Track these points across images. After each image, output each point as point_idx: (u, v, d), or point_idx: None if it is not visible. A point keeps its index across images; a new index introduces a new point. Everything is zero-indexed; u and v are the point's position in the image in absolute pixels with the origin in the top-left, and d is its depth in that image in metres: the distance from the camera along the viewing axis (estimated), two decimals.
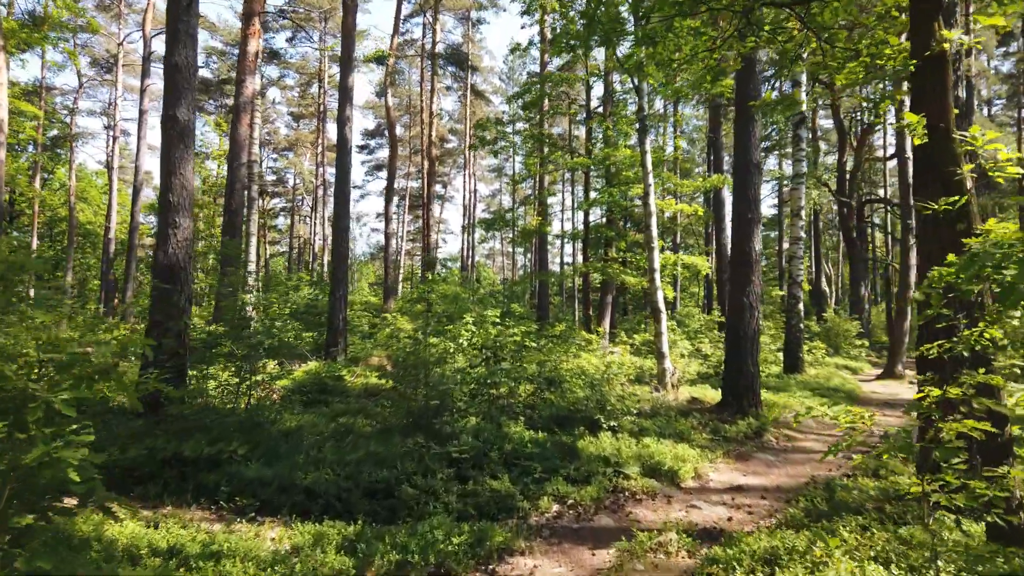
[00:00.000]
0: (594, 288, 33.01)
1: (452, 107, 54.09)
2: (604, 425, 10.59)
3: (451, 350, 11.81)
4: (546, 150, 24.03)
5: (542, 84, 22.80)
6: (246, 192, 20.21)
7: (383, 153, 52.82)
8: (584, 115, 23.67)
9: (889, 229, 44.46)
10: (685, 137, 46.86)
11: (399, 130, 51.08)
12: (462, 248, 45.01)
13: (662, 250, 24.98)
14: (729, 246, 12.41)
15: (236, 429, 8.73)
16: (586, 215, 23.96)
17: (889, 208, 41.19)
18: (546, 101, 23.62)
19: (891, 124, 40.04)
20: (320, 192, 43.05)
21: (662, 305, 16.09)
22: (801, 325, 19.71)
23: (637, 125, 16.62)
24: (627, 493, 8.36)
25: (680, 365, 17.71)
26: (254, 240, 20.86)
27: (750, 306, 12.93)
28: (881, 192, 44.17)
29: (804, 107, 20.25)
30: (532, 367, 14.75)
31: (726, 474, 9.66)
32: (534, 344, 16.11)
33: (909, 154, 21.33)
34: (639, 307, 44.99)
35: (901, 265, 22.50)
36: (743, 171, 13.17)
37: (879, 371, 26.08)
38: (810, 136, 35.46)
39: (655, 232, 16.13)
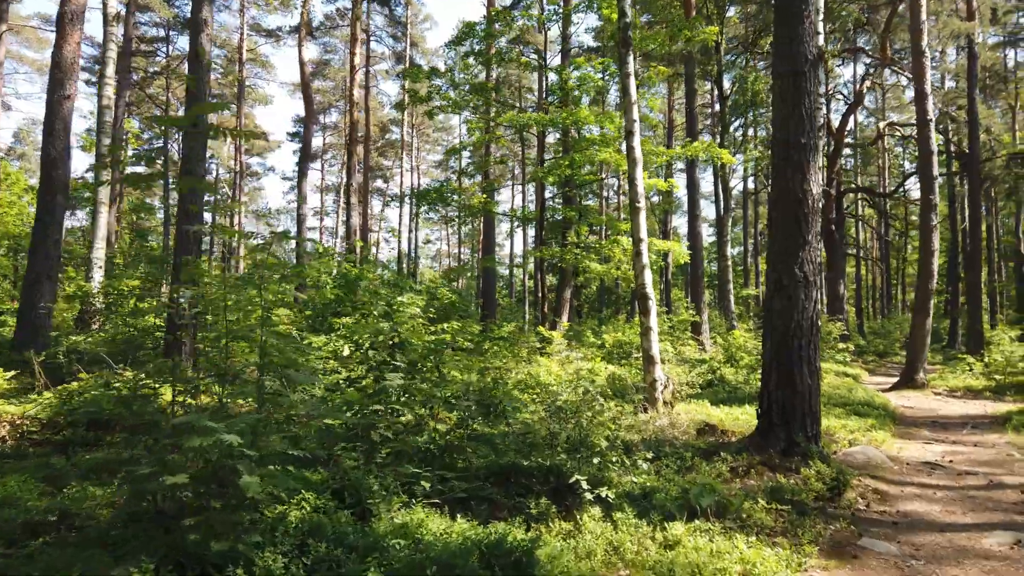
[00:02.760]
0: (550, 288, 27.92)
1: (393, 91, 48.56)
2: (585, 489, 5.42)
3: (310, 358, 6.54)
4: (493, 111, 18.87)
5: (488, 24, 17.67)
6: (95, 147, 14.56)
7: (315, 141, 46.97)
8: (539, 65, 18.66)
9: (882, 223, 40.58)
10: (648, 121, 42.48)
11: (334, 115, 45.40)
12: (400, 243, 39.41)
13: (625, 233, 20.00)
14: (778, 189, 7.08)
15: None
16: (540, 190, 18.90)
17: (873, 198, 37.12)
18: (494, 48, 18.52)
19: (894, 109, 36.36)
20: (238, 180, 37.00)
21: (650, 290, 11.05)
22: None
23: (619, 37, 11.53)
24: None
25: (671, 373, 12.67)
26: (104, 213, 15.23)
27: (805, 281, 7.93)
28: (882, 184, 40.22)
29: None
30: (465, 378, 9.62)
31: None
32: (469, 344, 10.94)
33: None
34: (595, 309, 40.11)
35: (922, 252, 17.98)
36: (792, 70, 8.19)
37: (883, 378, 21.58)
38: None
39: (641, 188, 11.09)
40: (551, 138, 21.40)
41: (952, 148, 31.07)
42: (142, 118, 32.78)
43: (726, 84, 27.30)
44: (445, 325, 11.05)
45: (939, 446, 10.29)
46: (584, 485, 5.27)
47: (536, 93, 21.17)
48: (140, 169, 40.98)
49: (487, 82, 20.56)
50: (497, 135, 20.25)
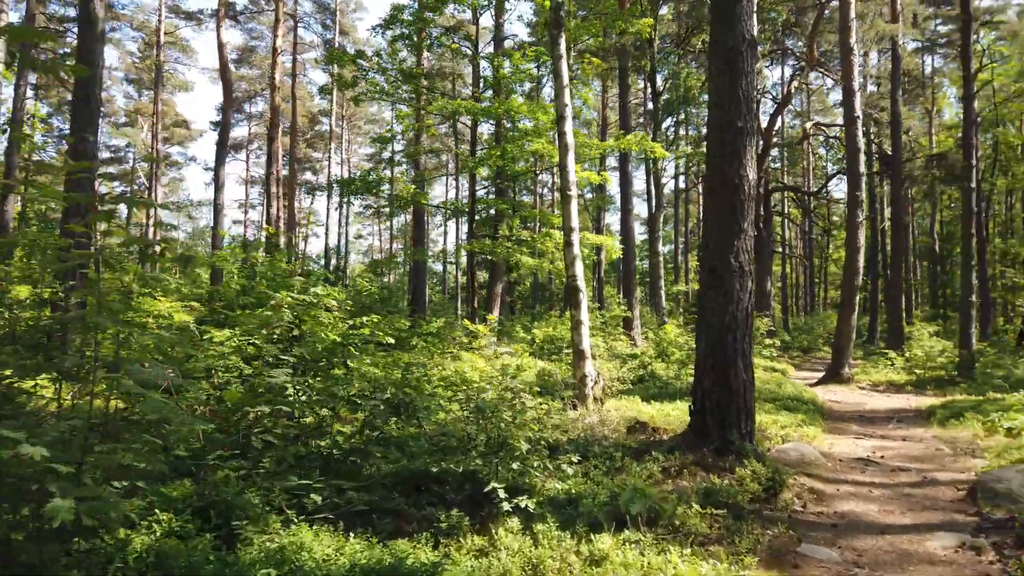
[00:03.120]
0: (481, 285, 27.24)
1: (323, 80, 46.99)
2: (503, 499, 4.79)
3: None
4: (424, 99, 18.08)
5: (419, 8, 16.88)
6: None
7: (240, 131, 45.07)
8: (472, 53, 17.96)
9: (807, 221, 41.37)
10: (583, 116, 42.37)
11: (260, 104, 43.61)
12: (326, 237, 38.06)
13: (558, 227, 19.53)
14: (713, 175, 6.56)
15: None
16: (472, 182, 18.23)
17: (799, 197, 37.76)
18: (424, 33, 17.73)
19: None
20: (155, 169, 34.97)
21: (581, 282, 10.54)
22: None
23: (551, 18, 10.97)
24: None
25: (602, 369, 12.21)
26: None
27: (741, 272, 7.51)
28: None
29: None
30: (386, 375, 8.90)
31: None
32: (391, 339, 10.20)
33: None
34: (528, 305, 39.66)
35: (848, 248, 18.09)
36: (728, 50, 7.76)
37: (809, 373, 21.77)
38: None
39: (572, 176, 10.56)
40: (485, 130, 20.74)
41: (874, 149, 31.82)
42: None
43: (659, 82, 27.21)
44: (365, 319, 10.27)
45: (869, 441, 10.11)
46: (501, 494, 4.65)
47: (471, 85, 20.44)
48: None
49: (418, 69, 19.76)
50: (428, 124, 19.46)
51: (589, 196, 44.51)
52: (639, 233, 50.52)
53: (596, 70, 19.08)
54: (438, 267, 52.29)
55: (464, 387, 8.84)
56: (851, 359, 19.10)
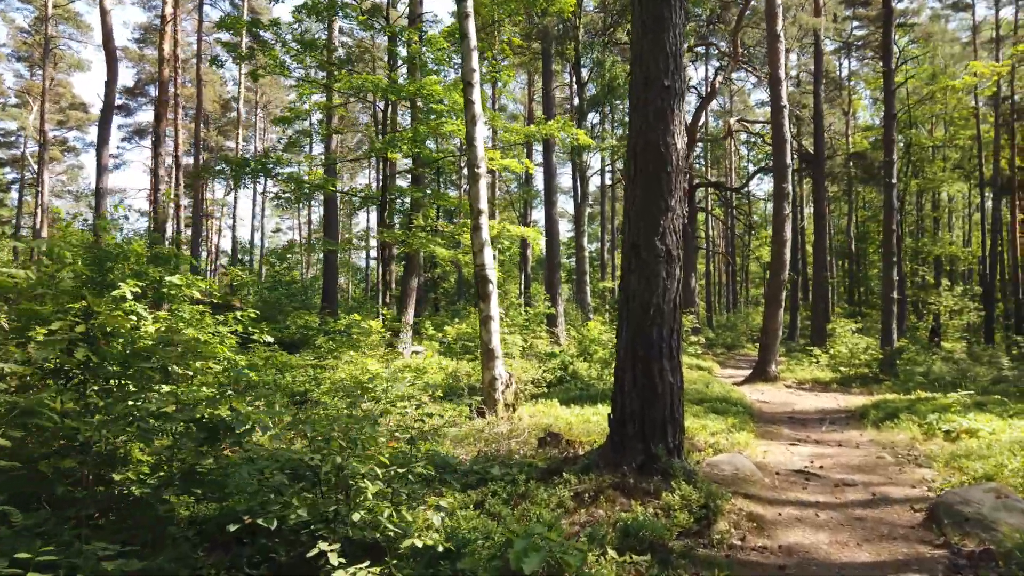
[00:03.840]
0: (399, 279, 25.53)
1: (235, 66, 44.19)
2: (336, 567, 3.34)
3: None
4: (340, 77, 16.34)
5: None
6: None
7: (146, 116, 41.86)
8: (383, 27, 16.34)
9: (729, 219, 41.17)
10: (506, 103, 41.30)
11: (169, 88, 40.49)
12: (233, 231, 35.57)
13: None
14: (636, 141, 5.16)
15: None
16: (383, 166, 16.62)
17: (722, 193, 37.43)
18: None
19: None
20: (44, 153, 31.74)
21: (492, 272, 9.20)
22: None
23: None
24: None
25: (517, 370, 10.90)
26: None
27: (667, 256, 6.30)
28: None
29: None
30: (268, 380, 7.48)
31: None
32: (268, 337, 8.69)
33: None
34: (452, 303, 38.14)
35: (774, 242, 17.36)
36: (655, 4, 6.53)
37: (734, 371, 21.08)
38: None
39: (481, 150, 9.20)
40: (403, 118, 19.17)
41: (796, 146, 31.70)
42: None
43: (584, 74, 26.21)
44: (240, 314, 8.66)
45: (805, 447, 9.13)
46: (334, 559, 3.23)
47: (387, 68, 18.80)
48: None
49: (330, 45, 18.03)
50: (336, 103, 17.75)
51: (515, 190, 43.45)
52: (567, 231, 49.87)
53: (518, 58, 17.85)
54: (361, 261, 50.20)
55: (359, 392, 7.43)
56: (777, 355, 18.44)
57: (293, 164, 21.89)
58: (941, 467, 7.47)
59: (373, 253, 44.27)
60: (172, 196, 20.49)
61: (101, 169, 18.27)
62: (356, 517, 3.37)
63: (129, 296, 7.28)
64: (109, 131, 18.58)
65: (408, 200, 17.52)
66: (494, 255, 10.87)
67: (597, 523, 5.04)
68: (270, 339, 8.74)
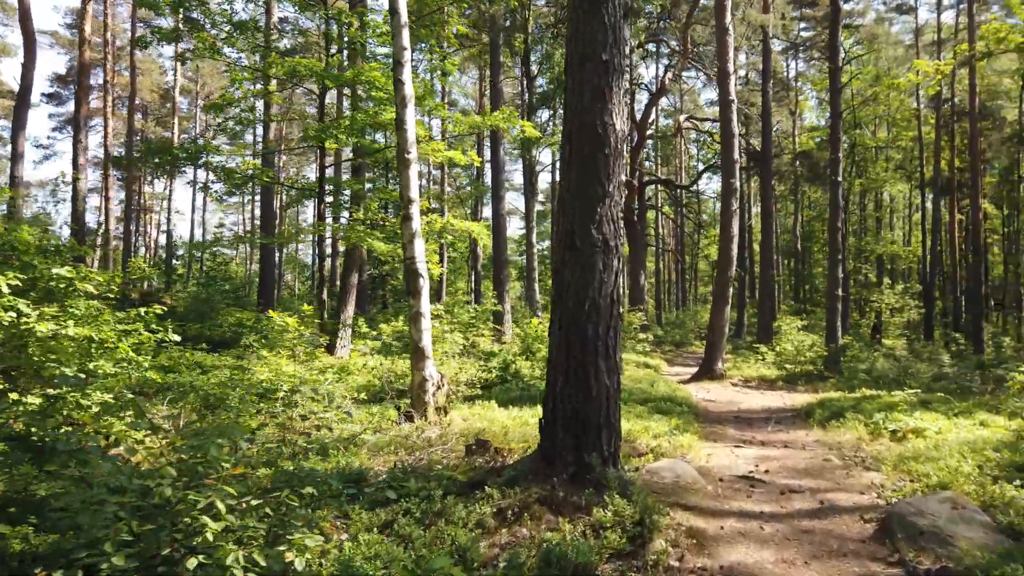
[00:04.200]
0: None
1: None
2: None
3: None
4: (273, 61, 15.38)
5: None
6: None
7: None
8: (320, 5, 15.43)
9: (679, 217, 41.11)
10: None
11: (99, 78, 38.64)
12: (165, 226, 34.04)
13: (425, 212, 17.47)
14: (572, 120, 4.51)
15: None
16: (321, 157, 15.75)
17: (672, 190, 37.30)
18: None
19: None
20: None
21: (423, 265, 8.53)
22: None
23: None
24: None
25: (451, 370, 10.26)
26: None
27: (605, 246, 5.74)
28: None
29: None
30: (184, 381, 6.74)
31: None
32: (173, 337, 7.90)
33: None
34: (400, 299, 37.27)
35: (721, 238, 17.08)
36: None
37: (681, 368, 20.79)
38: None
39: (411, 134, 8.53)
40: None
41: (743, 145, 31.73)
42: None
43: (534, 68, 25.70)
44: (144, 311, 7.84)
45: (750, 449, 8.71)
46: None
47: (326, 54, 17.77)
48: None
49: (268, 30, 17.11)
50: (272, 90, 16.79)
51: (467, 187, 42.71)
52: (518, 227, 49.34)
53: (468, 51, 17.18)
54: (308, 257, 48.81)
55: (253, 399, 6.70)
56: (724, 353, 18.17)
57: (229, 154, 20.73)
58: (890, 470, 7.11)
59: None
60: (67, 182, 19.16)
61: (16, 157, 17.00)
62: (192, 564, 2.69)
63: (5, 289, 6.46)
64: (26, 116, 17.31)
65: (346, 192, 16.69)
66: (446, 246, 10.20)
67: (520, 544, 4.46)
68: (176, 337, 7.93)
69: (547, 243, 52.03)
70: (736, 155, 16.71)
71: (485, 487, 5.24)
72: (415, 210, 8.38)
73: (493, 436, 7.58)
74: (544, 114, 34.86)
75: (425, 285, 8.42)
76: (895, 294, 31.58)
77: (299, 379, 7.39)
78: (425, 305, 8.37)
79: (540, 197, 46.05)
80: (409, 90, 8.46)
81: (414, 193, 8.38)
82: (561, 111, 34.84)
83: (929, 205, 34.09)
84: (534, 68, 25.03)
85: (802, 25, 37.08)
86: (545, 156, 46.28)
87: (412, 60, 22.90)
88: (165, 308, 8.91)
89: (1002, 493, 5.20)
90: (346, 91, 16.24)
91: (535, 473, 5.53)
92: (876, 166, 36.48)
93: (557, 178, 45.64)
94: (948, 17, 34.32)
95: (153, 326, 8.02)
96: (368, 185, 17.41)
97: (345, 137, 14.65)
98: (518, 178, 46.05)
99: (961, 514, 4.74)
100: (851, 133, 34.31)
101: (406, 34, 8.53)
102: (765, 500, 6.20)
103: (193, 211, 38.26)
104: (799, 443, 9.23)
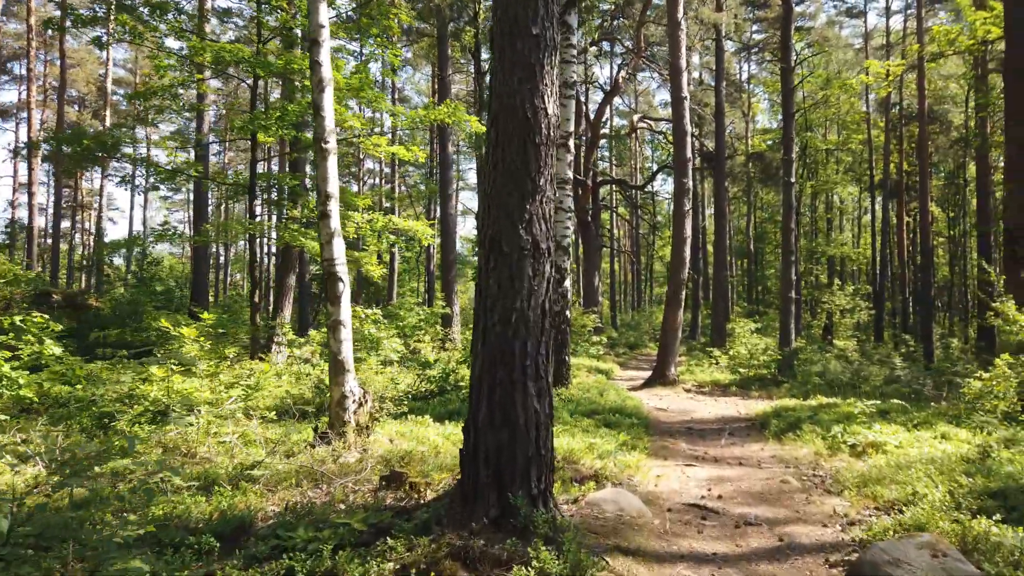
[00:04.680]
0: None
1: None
2: None
3: None
4: (194, 46, 14.18)
5: None
6: None
7: (9, 96, 37.63)
8: None
9: (634, 218, 40.57)
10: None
11: (39, 67, 36.61)
12: (97, 221, 32.25)
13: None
14: (497, 102, 3.60)
15: None
16: (253, 149, 14.61)
17: (626, 191, 36.77)
18: None
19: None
20: None
21: (343, 268, 7.59)
22: (567, 314, 12.33)
23: None
24: None
25: (381, 382, 9.33)
26: None
27: (534, 249, 4.90)
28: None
29: None
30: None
31: None
32: (57, 348, 6.85)
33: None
34: (372, 300, 36.02)
35: (674, 239, 16.46)
36: None
37: (635, 372, 20.16)
38: None
39: (330, 121, 7.59)
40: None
41: (697, 146, 31.35)
42: None
43: (484, 65, 24.82)
44: (17, 320, 6.75)
45: (702, 468, 7.99)
46: None
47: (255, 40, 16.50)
48: None
49: (201, 15, 15.89)
50: (200, 78, 15.60)
51: (420, 186, 41.57)
52: (473, 228, 48.37)
53: (419, 46, 16.26)
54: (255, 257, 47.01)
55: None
56: (677, 357, 17.58)
57: (159, 146, 19.35)
58: (853, 495, 6.44)
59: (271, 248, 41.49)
60: None
61: None
62: None
63: None
64: None
65: (277, 188, 15.60)
66: (398, 247, 9.26)
67: None
68: (57, 350, 6.88)
69: None
70: (689, 153, 16.11)
71: (390, 535, 4.36)
72: (334, 207, 7.44)
73: (420, 460, 6.71)
74: None
75: (346, 291, 7.49)
76: (846, 295, 31.54)
77: (185, 397, 6.40)
78: (345, 313, 7.44)
79: None
80: (327, 73, 7.52)
81: (332, 188, 7.45)
82: None
83: (879, 208, 34.24)
84: (485, 64, 24.15)
85: (755, 27, 36.99)
86: None
87: (356, 53, 21.79)
88: (91, 310, 7.83)
89: (985, 533, 4.52)
90: (278, 82, 15.15)
91: (452, 516, 4.67)
92: (827, 168, 36.56)
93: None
94: (897, 22, 34.57)
95: (33, 333, 6.96)
96: (308, 182, 16.29)
97: (276, 129, 13.58)
98: (473, 177, 45.14)
99: (943, 564, 4.03)
100: (802, 136, 34.22)
101: (323, 10, 7.58)
102: (718, 536, 5.45)
103: (132, 208, 36.48)
104: (754, 459, 8.56)
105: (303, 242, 13.46)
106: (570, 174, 12.10)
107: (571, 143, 12.14)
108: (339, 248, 7.49)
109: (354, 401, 7.41)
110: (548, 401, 4.92)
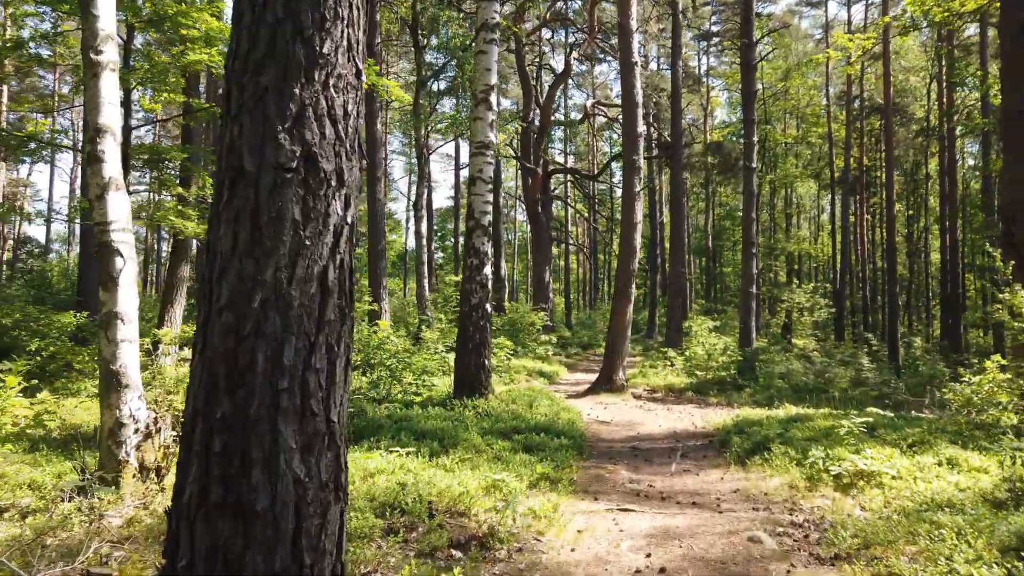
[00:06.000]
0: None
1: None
2: None
3: None
4: None
5: None
6: None
7: None
8: None
9: (591, 212, 38.43)
10: None
11: None
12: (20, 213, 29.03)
13: None
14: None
15: None
16: (126, 115, 11.99)
17: (580, 180, 34.61)
18: None
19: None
20: None
21: (123, 239, 5.14)
22: (487, 308, 9.92)
23: None
24: None
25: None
26: None
27: (309, 166, 2.57)
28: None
29: None
30: None
31: None
32: None
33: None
34: None
35: (624, 225, 14.26)
36: None
37: (584, 374, 17.90)
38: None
39: (106, 25, 5.15)
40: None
41: (654, 136, 29.35)
42: None
43: (422, 39, 22.45)
44: None
45: (643, 517, 5.72)
46: None
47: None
48: None
49: None
50: (66, 30, 12.88)
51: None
52: (435, 226, 45.79)
53: None
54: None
55: None
56: (630, 355, 15.42)
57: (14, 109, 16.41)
58: (858, 569, 4.24)
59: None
60: None
61: None
62: None
63: None
64: None
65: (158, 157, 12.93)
66: (127, 228, 6.81)
67: None
68: None
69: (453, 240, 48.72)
70: (640, 128, 13.91)
71: None
72: (109, 146, 4.99)
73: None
74: (448, 101, 31.54)
75: (129, 269, 5.05)
76: (805, 293, 29.86)
77: None
78: (126, 302, 4.99)
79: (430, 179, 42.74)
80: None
81: (106, 119, 5.00)
82: (460, 81, 31.00)
83: (839, 203, 32.69)
84: (423, 39, 21.76)
85: (713, 19, 35.19)
86: (448, 147, 42.89)
87: None
88: None
89: None
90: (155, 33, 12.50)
91: None
92: (786, 163, 34.93)
93: (463, 176, 42.49)
94: (858, 12, 33.08)
95: None
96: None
97: (144, 85, 11.00)
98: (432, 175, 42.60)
99: None
100: (762, 128, 32.52)
101: None
102: None
103: (50, 199, 33.09)
104: (712, 497, 6.36)
105: (173, 221, 10.91)
106: (491, 136, 9.77)
107: (492, 98, 9.83)
108: (118, 206, 5.05)
109: (137, 432, 4.97)
110: (337, 457, 2.57)
